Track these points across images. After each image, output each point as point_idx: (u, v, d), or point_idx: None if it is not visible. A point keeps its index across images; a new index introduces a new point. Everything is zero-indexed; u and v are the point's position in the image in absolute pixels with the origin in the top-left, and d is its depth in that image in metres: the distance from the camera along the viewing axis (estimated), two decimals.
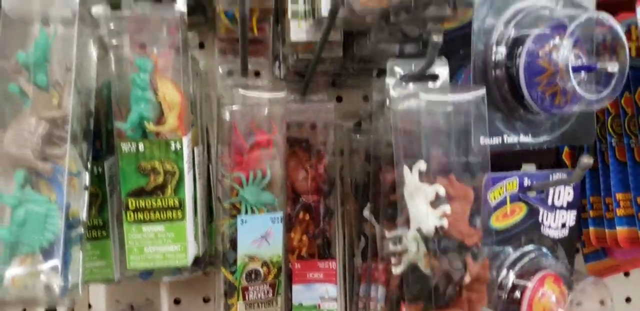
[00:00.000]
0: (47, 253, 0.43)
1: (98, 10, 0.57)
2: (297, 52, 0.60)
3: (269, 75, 0.72)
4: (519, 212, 0.57)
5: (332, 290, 0.63)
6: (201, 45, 0.73)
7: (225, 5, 0.55)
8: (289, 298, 0.63)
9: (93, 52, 0.51)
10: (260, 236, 0.57)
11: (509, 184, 0.56)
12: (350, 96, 0.77)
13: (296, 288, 0.63)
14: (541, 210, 0.58)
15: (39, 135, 0.44)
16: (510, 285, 0.57)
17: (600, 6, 0.60)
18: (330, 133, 0.68)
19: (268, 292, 0.57)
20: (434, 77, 0.53)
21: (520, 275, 0.57)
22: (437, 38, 0.47)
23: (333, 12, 0.49)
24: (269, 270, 0.57)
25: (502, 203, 0.55)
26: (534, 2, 0.55)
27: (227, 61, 0.69)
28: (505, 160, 0.63)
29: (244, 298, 0.56)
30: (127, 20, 0.50)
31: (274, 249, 0.57)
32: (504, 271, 0.57)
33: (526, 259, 0.57)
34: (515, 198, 0.57)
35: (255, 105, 0.59)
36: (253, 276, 0.57)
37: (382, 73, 0.68)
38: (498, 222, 0.56)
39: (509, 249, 0.57)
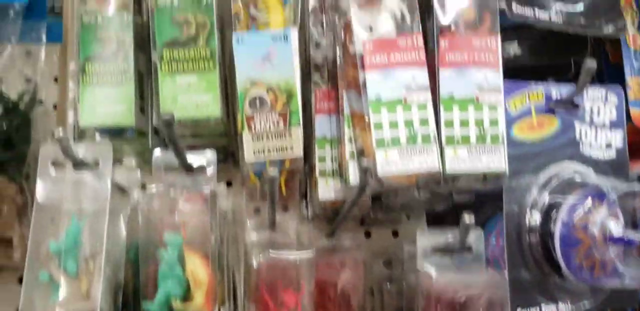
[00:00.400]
0: None
1: (130, 162, 0.59)
2: (326, 208, 0.61)
3: (296, 211, 0.72)
4: None
5: None
6: (228, 184, 0.74)
7: (253, 168, 0.56)
8: None
9: (122, 226, 0.52)
10: None
11: None
12: (379, 232, 0.76)
13: None
14: None
15: None
16: None
17: (631, 147, 0.60)
18: (359, 278, 0.67)
19: None
20: (468, 249, 0.52)
21: None
22: (468, 219, 0.47)
23: (362, 188, 0.49)
24: None
25: None
26: (567, 166, 0.55)
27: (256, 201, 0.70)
28: None
29: None
30: (156, 195, 0.51)
31: None
32: None
33: None
34: None
35: (283, 263, 0.59)
36: None
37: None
38: None
39: None
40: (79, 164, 0.48)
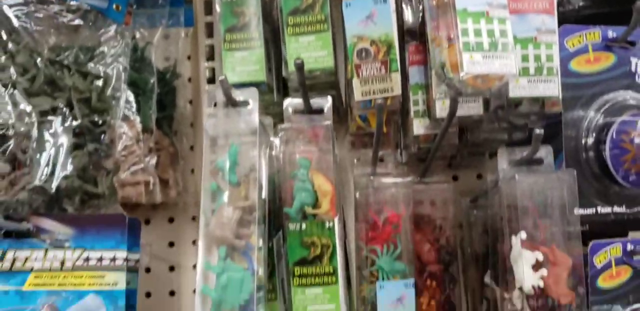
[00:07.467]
0: (244, 309, 0.63)
1: (264, 120, 0.80)
2: (419, 143, 0.80)
3: (392, 161, 0.92)
4: (625, 274, 0.71)
5: None
6: None
7: (359, 111, 0.77)
8: None
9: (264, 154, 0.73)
10: (396, 299, 0.74)
11: (613, 249, 0.70)
12: (465, 175, 0.94)
13: None
14: None
15: (235, 220, 0.66)
16: None
17: None
18: (449, 209, 0.86)
19: None
20: (539, 162, 0.70)
21: None
22: (538, 131, 0.65)
23: (451, 115, 0.68)
24: None
25: (607, 266, 0.70)
26: (622, 94, 0.72)
27: (357, 151, 0.91)
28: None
29: None
30: (289, 130, 0.72)
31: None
32: None
33: None
34: (620, 262, 0.71)
35: (386, 188, 0.79)
36: None
37: (494, 154, 0.86)
38: (605, 283, 0.70)
39: (618, 307, 0.70)
40: (235, 103, 0.69)
